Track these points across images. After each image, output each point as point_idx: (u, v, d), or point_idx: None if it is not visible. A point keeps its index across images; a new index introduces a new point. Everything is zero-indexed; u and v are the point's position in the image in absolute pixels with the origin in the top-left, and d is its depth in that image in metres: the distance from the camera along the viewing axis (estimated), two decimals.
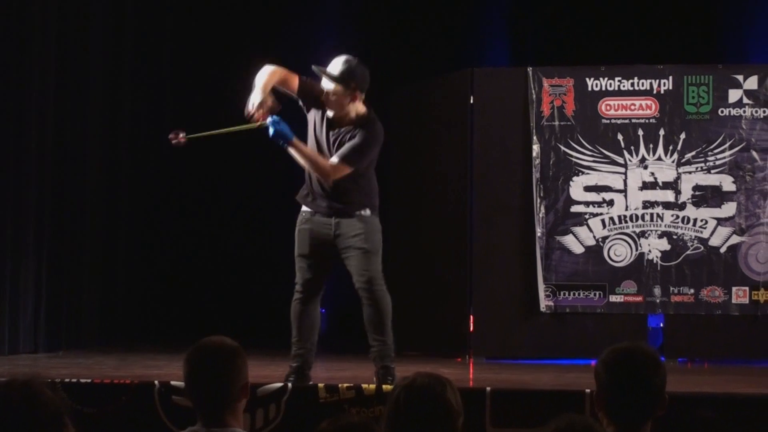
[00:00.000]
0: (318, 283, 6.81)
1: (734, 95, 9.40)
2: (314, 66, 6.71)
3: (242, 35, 11.42)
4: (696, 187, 9.39)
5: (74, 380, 6.46)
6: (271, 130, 6.54)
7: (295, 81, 6.72)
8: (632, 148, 9.43)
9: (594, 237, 9.46)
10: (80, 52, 9.86)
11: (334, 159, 6.60)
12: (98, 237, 10.16)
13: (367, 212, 6.73)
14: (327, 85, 6.64)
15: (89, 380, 6.50)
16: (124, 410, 6.33)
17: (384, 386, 6.27)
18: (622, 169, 9.44)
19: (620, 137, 9.45)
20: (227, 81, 11.37)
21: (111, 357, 8.97)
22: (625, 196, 9.44)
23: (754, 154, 9.36)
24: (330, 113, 6.69)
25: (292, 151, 6.60)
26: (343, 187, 6.67)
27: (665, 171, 9.41)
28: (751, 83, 9.39)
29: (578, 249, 9.46)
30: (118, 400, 6.35)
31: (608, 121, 9.49)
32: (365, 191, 6.76)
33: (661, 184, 9.41)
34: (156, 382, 6.39)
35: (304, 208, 6.85)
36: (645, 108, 9.46)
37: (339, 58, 6.72)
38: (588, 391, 6.01)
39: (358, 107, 6.71)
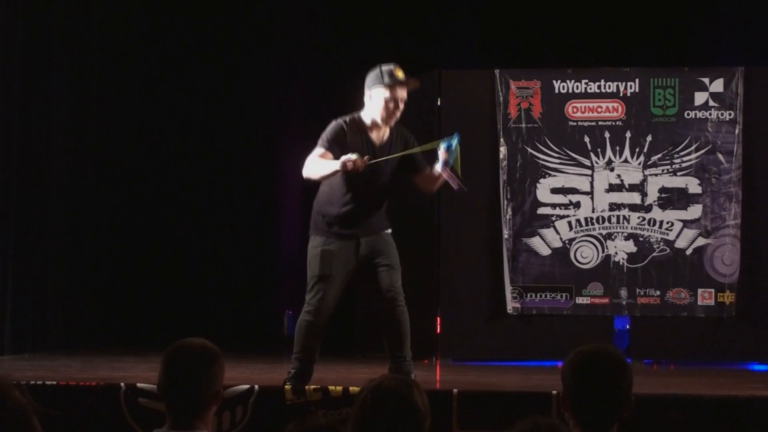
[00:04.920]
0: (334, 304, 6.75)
1: (700, 98, 9.44)
2: (387, 79, 6.83)
3: (204, 28, 11.37)
4: (662, 189, 9.43)
5: (40, 382, 6.43)
6: (452, 148, 6.59)
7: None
8: (599, 150, 9.46)
9: (561, 239, 9.49)
10: (46, 50, 9.82)
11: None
12: (64, 238, 10.10)
13: (389, 231, 6.84)
14: (398, 93, 6.84)
15: (55, 382, 6.47)
16: (90, 413, 6.31)
17: (351, 388, 6.26)
18: (589, 171, 9.47)
19: (587, 139, 9.48)
20: (196, 75, 11.36)
21: (77, 359, 8.93)
22: (592, 198, 9.47)
23: (720, 156, 9.40)
24: (385, 127, 6.82)
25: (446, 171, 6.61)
26: (383, 206, 6.78)
27: (631, 173, 9.44)
28: (717, 86, 9.43)
29: (545, 251, 9.49)
30: (84, 402, 6.33)
31: (575, 124, 9.52)
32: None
33: (627, 186, 9.45)
34: (122, 384, 6.37)
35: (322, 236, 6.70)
36: (611, 110, 9.49)
37: (385, 66, 6.86)
38: (555, 392, 6.03)
39: None
